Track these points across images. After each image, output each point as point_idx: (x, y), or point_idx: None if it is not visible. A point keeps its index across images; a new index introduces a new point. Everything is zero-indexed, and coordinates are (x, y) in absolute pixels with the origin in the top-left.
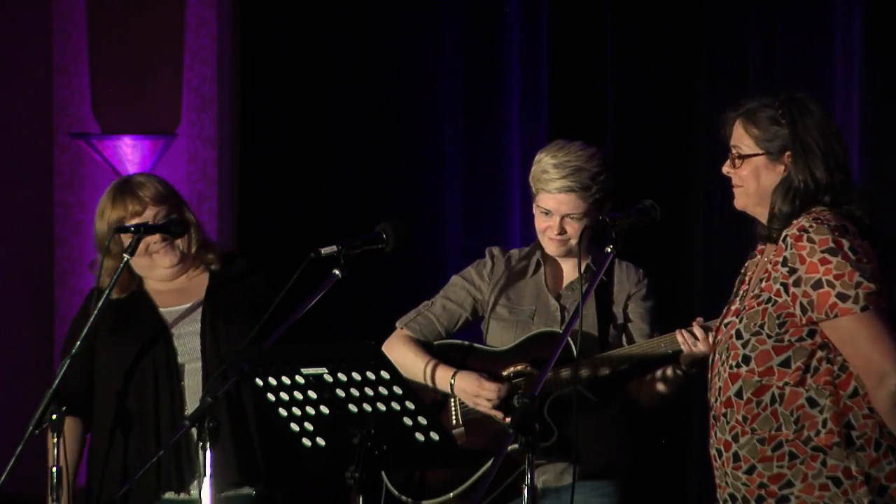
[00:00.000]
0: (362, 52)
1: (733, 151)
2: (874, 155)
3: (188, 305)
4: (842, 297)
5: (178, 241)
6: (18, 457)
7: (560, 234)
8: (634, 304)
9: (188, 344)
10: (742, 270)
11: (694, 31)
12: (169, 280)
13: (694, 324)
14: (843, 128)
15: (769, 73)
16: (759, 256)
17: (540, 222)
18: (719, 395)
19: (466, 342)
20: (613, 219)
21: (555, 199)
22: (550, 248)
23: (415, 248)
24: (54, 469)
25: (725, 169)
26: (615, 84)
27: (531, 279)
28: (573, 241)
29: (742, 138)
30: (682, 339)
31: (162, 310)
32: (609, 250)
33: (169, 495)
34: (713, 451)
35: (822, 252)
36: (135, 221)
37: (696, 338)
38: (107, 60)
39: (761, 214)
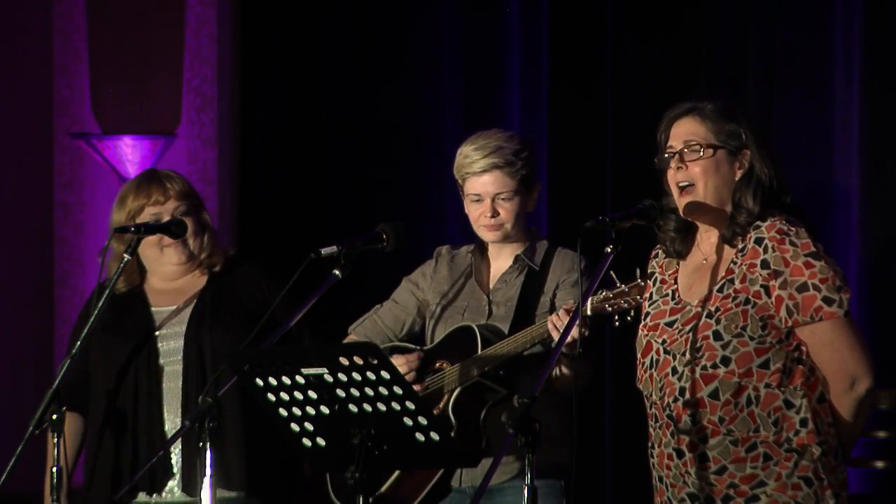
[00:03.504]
0: (362, 51)
1: (682, 146)
2: (874, 155)
3: (178, 306)
4: (828, 300)
5: (191, 242)
6: (18, 457)
7: (493, 216)
8: (563, 293)
9: (172, 345)
10: (650, 270)
11: (694, 31)
12: (171, 279)
13: (562, 310)
14: (843, 128)
15: (769, 72)
16: (671, 258)
17: (473, 212)
18: (681, 395)
19: (405, 344)
20: (613, 219)
21: (481, 181)
22: (487, 235)
23: (415, 248)
24: (54, 469)
25: (672, 169)
26: (615, 84)
27: (466, 275)
28: (508, 226)
29: (697, 133)
30: (551, 325)
31: (154, 309)
32: (609, 250)
33: (142, 497)
34: (668, 451)
35: (806, 256)
36: (155, 210)
37: (563, 322)
38: (107, 60)
39: (713, 217)
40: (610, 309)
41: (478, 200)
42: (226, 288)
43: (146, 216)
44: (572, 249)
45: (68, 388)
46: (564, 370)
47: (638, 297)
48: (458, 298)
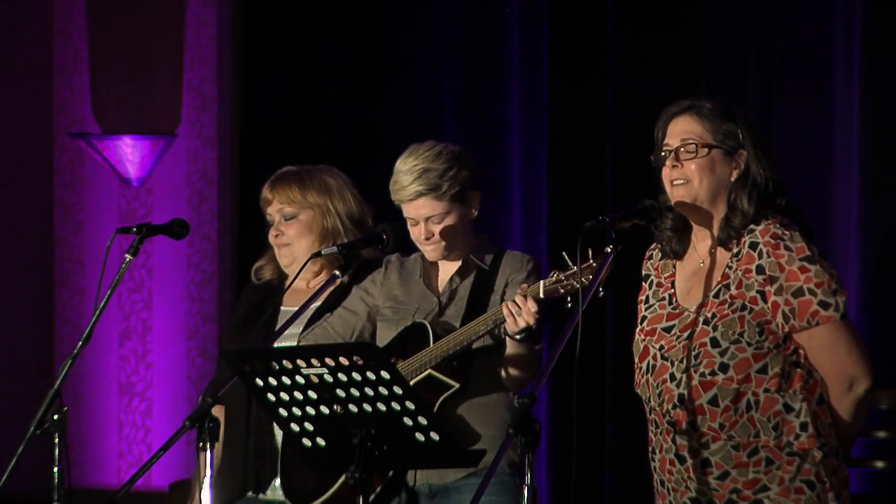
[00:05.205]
0: (362, 52)
1: (679, 145)
2: (874, 155)
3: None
4: (824, 304)
5: (295, 245)
6: (19, 457)
7: (427, 238)
8: (511, 289)
9: (287, 345)
10: (644, 272)
11: (694, 31)
12: (303, 279)
13: (519, 292)
14: (844, 128)
15: (769, 72)
16: (667, 259)
17: (412, 231)
18: (680, 402)
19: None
20: (613, 219)
21: (412, 207)
22: (429, 255)
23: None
24: (55, 469)
25: (668, 167)
26: (615, 84)
27: (418, 281)
28: (445, 243)
29: (693, 131)
30: (506, 311)
31: (283, 308)
32: (609, 250)
33: (249, 495)
34: (669, 457)
35: (801, 260)
36: (268, 209)
37: (519, 307)
38: (107, 60)
39: (706, 216)
40: (562, 290)
41: (414, 224)
42: (347, 293)
43: (266, 213)
44: (572, 249)
45: (221, 383)
46: (514, 351)
47: (588, 277)
48: (408, 301)
